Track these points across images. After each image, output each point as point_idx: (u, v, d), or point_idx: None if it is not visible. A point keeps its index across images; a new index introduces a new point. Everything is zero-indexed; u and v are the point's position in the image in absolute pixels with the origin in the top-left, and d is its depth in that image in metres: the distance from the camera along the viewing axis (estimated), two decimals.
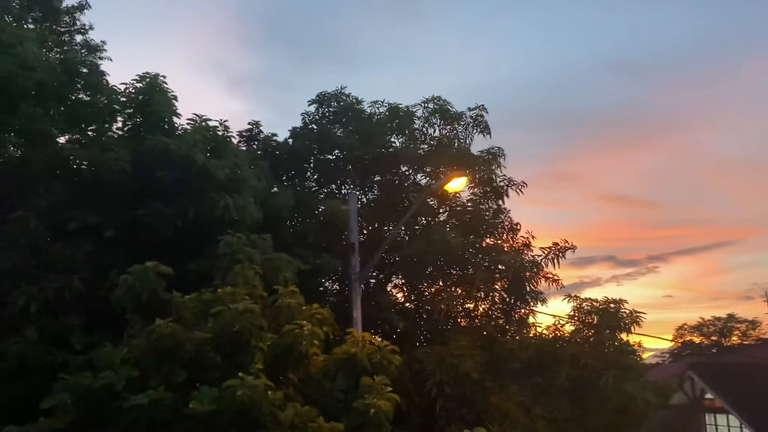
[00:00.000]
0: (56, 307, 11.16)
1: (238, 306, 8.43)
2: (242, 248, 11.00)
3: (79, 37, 19.73)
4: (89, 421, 7.93)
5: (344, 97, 18.16)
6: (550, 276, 17.20)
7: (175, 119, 13.51)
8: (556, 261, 17.14)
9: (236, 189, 12.88)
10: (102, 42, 19.14)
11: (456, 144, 17.86)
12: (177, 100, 13.64)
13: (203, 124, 13.48)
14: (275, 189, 16.23)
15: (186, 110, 14.05)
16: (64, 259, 11.87)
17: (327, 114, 17.94)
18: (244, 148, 16.58)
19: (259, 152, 16.90)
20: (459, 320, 17.14)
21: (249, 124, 17.47)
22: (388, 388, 9.56)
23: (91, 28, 19.49)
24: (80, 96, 14.44)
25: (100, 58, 18.93)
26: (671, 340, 48.69)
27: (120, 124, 13.88)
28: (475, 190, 18.01)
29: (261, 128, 17.53)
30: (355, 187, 18.12)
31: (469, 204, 18.04)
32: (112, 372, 8.08)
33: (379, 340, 13.73)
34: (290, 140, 17.69)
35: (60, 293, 11.18)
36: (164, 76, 13.52)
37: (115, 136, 13.63)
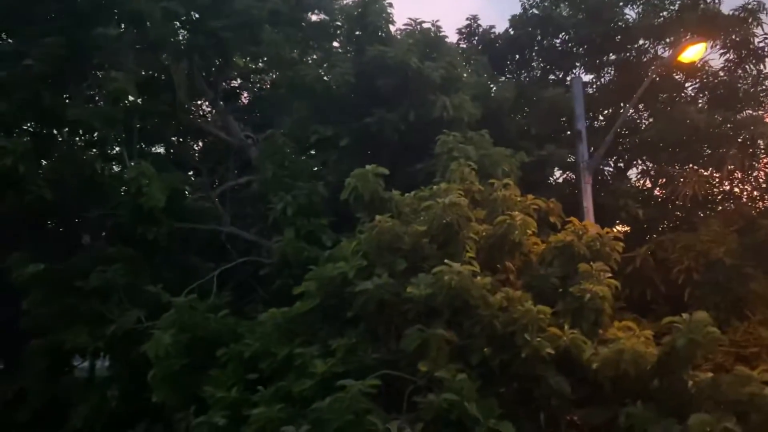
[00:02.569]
0: (308, 210, 13.19)
1: (445, 200, 9.27)
2: (457, 146, 11.74)
3: None
4: (330, 303, 9.63)
5: None
6: None
7: (392, 27, 14.52)
8: None
9: (452, 88, 13.56)
10: None
11: (701, 5, 16.03)
12: (392, 8, 14.59)
13: (417, 27, 14.27)
14: (499, 83, 16.52)
15: (420, 13, 15.05)
16: (309, 168, 13.94)
17: None
18: (464, 46, 16.98)
19: (479, 47, 17.17)
20: (712, 204, 16.00)
21: (467, 19, 17.71)
22: (608, 274, 9.77)
23: None
24: (309, 17, 16.19)
25: None
26: None
27: (344, 39, 15.36)
28: (729, 56, 16.13)
29: (479, 22, 17.65)
30: (586, 71, 17.51)
31: (722, 74, 16.27)
32: (345, 262, 9.62)
33: (614, 229, 13.67)
34: (510, 30, 17.57)
35: (309, 198, 13.18)
36: None
37: (340, 51, 15.13)
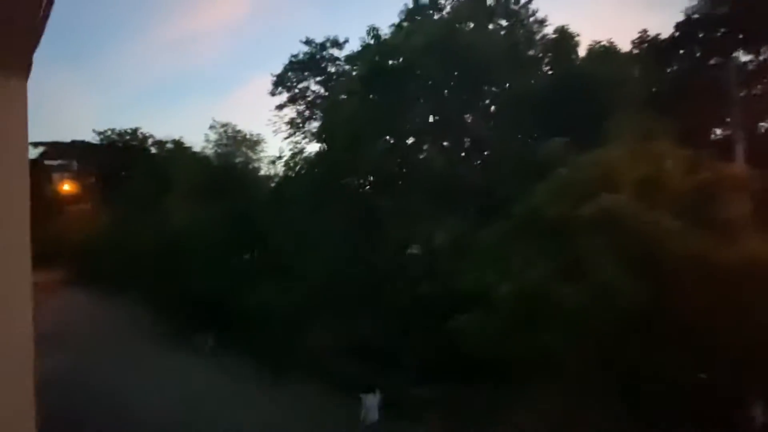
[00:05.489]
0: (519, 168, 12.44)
1: (606, 157, 8.13)
2: (625, 122, 9.91)
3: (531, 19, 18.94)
4: (530, 222, 9.11)
5: None
6: None
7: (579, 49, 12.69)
8: None
9: (619, 85, 11.31)
10: (545, 16, 17.59)
11: None
12: (579, 36, 12.76)
13: (596, 45, 12.23)
14: (666, 74, 13.11)
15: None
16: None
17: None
18: (636, 51, 13.74)
19: (647, 52, 13.73)
20: None
21: (638, 33, 14.17)
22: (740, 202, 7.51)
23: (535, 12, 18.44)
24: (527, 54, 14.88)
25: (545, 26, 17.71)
26: None
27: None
28: None
29: (648, 33, 13.98)
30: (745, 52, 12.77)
31: None
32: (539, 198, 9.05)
33: None
34: (676, 33, 13.54)
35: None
36: (567, 25, 12.77)
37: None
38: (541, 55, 15.10)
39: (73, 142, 31.03)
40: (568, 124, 11.94)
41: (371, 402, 10.07)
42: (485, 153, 15.27)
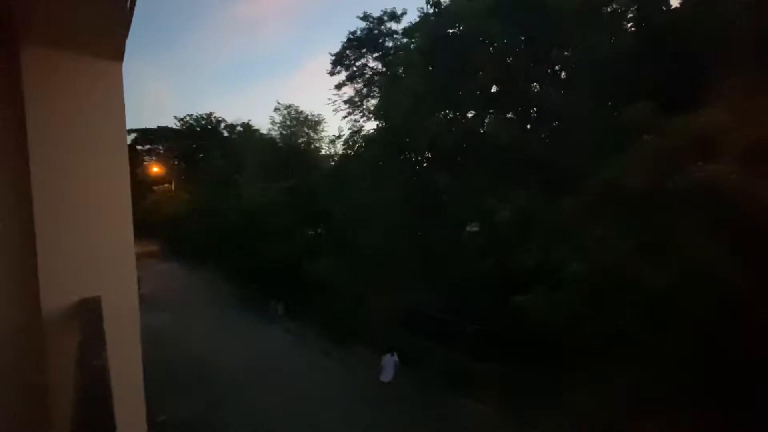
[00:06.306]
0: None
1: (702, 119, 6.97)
2: (729, 81, 8.42)
3: None
4: (607, 195, 8.30)
5: None
6: None
7: None
8: None
9: (722, 37, 9.56)
10: None
11: None
12: None
13: None
14: None
15: None
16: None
17: None
18: None
19: None
20: None
21: None
22: None
23: None
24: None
25: None
26: None
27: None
28: None
29: None
30: None
31: None
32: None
33: None
34: None
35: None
36: None
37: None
38: (621, 10, 13.37)
39: (159, 128, 34.10)
40: (654, 87, 10.52)
41: (387, 362, 10.21)
42: (554, 123, 14.07)
